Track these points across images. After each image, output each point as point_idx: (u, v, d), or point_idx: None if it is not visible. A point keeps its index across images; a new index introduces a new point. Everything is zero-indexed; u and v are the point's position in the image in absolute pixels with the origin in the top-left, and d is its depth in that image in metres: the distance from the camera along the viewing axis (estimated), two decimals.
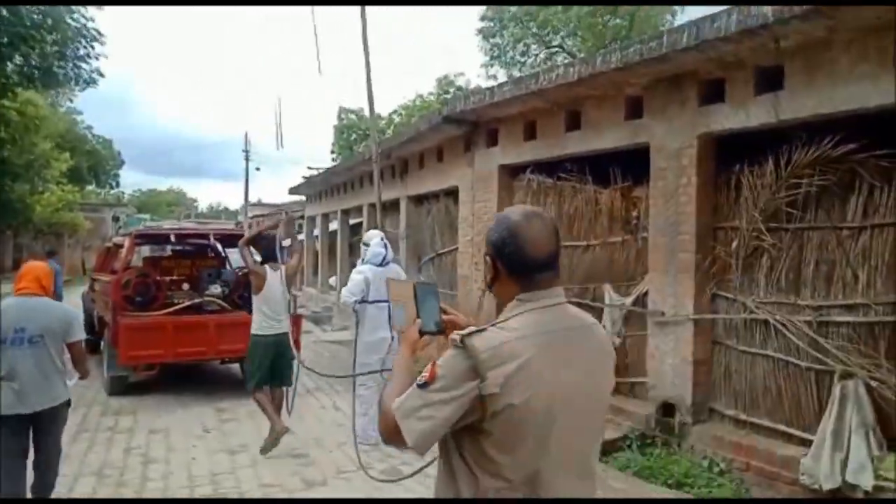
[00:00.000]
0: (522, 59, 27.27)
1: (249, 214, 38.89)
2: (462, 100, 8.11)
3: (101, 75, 11.84)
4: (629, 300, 6.42)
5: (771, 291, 5.27)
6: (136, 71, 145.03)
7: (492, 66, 28.18)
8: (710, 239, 5.72)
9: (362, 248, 6.24)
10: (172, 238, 8.61)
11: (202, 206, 74.58)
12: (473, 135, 8.70)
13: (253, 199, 43.58)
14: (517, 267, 1.64)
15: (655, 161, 6.06)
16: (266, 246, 5.96)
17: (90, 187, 42.07)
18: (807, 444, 4.80)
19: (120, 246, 8.41)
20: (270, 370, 5.73)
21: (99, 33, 10.94)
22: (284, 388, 5.92)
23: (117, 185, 44.89)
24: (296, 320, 6.96)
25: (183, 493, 4.65)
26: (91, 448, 5.73)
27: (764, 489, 4.93)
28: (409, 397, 1.54)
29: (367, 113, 11.22)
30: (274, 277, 5.76)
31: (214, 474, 5.06)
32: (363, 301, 5.84)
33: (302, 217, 22.24)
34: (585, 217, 7.06)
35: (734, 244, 5.52)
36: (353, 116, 32.50)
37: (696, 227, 5.68)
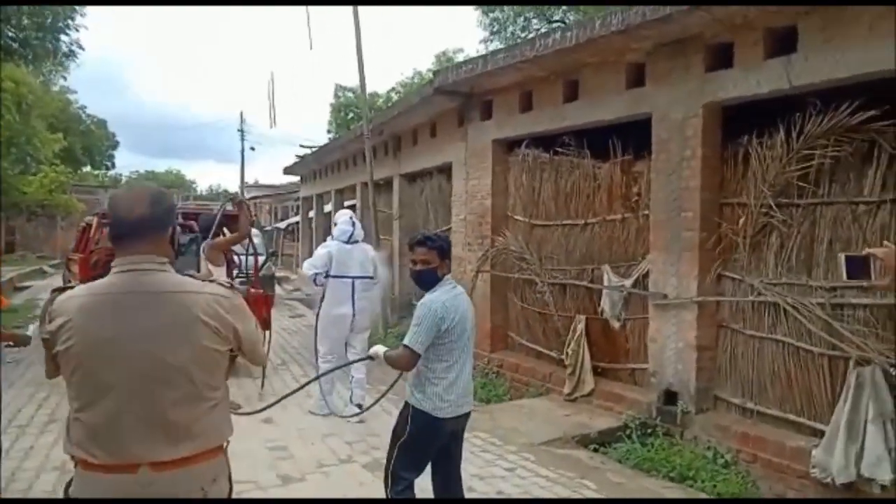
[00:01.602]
0: (523, 35, 26.61)
1: (247, 195, 38.48)
2: (454, 70, 7.70)
3: (81, 48, 11.51)
4: (629, 282, 6.07)
5: (781, 272, 4.91)
6: (127, 51, 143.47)
7: (491, 41, 27.52)
8: (715, 216, 5.36)
9: (332, 225, 6.41)
10: None
11: (201, 187, 73.64)
12: (467, 108, 8.30)
13: (250, 179, 43.19)
14: (111, 234, 1.93)
15: (658, 132, 5.68)
16: (202, 226, 6.64)
17: (86, 169, 41.56)
18: (818, 434, 4.49)
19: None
20: None
21: (77, 3, 10.52)
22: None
23: (113, 166, 44.34)
24: (263, 299, 7.26)
25: None
26: (58, 442, 5.41)
27: (772, 482, 4.62)
28: None
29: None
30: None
31: None
32: (328, 276, 5.97)
33: (297, 199, 21.89)
34: (583, 193, 6.70)
35: (741, 221, 5.16)
36: (349, 94, 31.90)
37: (700, 203, 5.32)
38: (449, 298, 3.21)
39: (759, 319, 5.07)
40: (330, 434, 5.59)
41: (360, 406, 5.84)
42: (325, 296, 6.03)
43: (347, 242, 6.06)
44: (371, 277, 6.13)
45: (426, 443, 3.20)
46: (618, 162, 6.27)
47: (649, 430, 5.49)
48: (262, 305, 7.44)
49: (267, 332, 7.63)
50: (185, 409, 1.82)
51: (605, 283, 6.33)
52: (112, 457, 1.76)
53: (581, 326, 6.50)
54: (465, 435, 5.47)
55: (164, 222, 1.91)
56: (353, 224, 6.14)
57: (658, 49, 5.60)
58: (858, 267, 2.26)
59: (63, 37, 10.48)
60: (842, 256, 2.24)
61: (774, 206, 4.89)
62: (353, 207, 14.38)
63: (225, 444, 1.97)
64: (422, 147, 10.25)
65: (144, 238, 1.85)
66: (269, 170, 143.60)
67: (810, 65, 4.50)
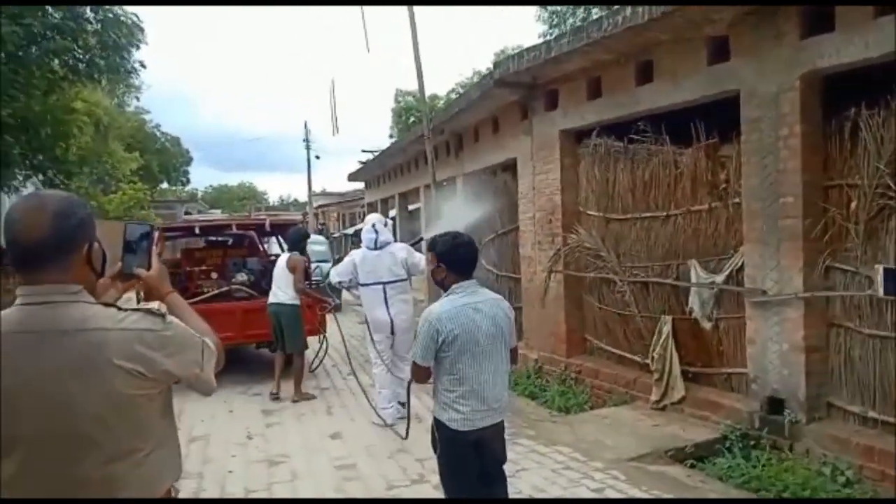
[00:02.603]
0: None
1: (315, 204, 39.01)
2: (516, 59, 7.27)
3: (143, 66, 11.74)
4: (720, 277, 5.50)
5: None
6: (192, 69, 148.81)
7: (551, 35, 26.96)
8: (820, 200, 4.75)
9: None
10: (196, 230, 8.60)
11: (272, 198, 75.61)
12: (530, 99, 7.85)
13: (317, 188, 43.83)
14: (11, 260, 1.56)
15: (747, 111, 5.10)
16: (291, 239, 7.29)
17: (164, 185, 43.24)
18: None
19: None
20: (280, 336, 6.96)
21: (138, 19, 10.70)
22: (299, 357, 7.07)
23: (188, 181, 45.92)
24: (309, 302, 7.40)
25: None
26: None
27: None
28: None
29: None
30: (280, 261, 7.07)
31: (249, 492, 4.52)
32: (360, 284, 6.12)
33: (363, 206, 21.92)
34: (664, 183, 6.14)
35: (853, 205, 4.54)
36: (410, 98, 31.82)
37: (802, 186, 4.72)
38: (452, 308, 2.99)
39: (879, 316, 4.44)
40: (400, 451, 5.28)
41: (402, 403, 5.68)
42: (364, 304, 6.20)
43: (374, 248, 6.07)
44: (404, 280, 6.10)
45: (451, 454, 3.06)
46: (701, 146, 5.70)
47: (752, 443, 4.92)
48: (314, 311, 7.36)
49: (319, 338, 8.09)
50: (104, 465, 1.52)
51: (693, 279, 5.77)
52: None
53: (667, 328, 5.96)
54: (545, 450, 5.14)
55: (74, 241, 1.55)
56: (377, 231, 6.10)
57: (742, 18, 5.03)
58: None
59: (125, 54, 10.66)
60: (880, 269, 1.80)
61: (894, 186, 4.26)
62: (418, 212, 14.16)
63: (174, 493, 1.72)
64: (484, 144, 9.86)
65: (49, 264, 1.52)
66: (335, 176, 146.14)
67: None
